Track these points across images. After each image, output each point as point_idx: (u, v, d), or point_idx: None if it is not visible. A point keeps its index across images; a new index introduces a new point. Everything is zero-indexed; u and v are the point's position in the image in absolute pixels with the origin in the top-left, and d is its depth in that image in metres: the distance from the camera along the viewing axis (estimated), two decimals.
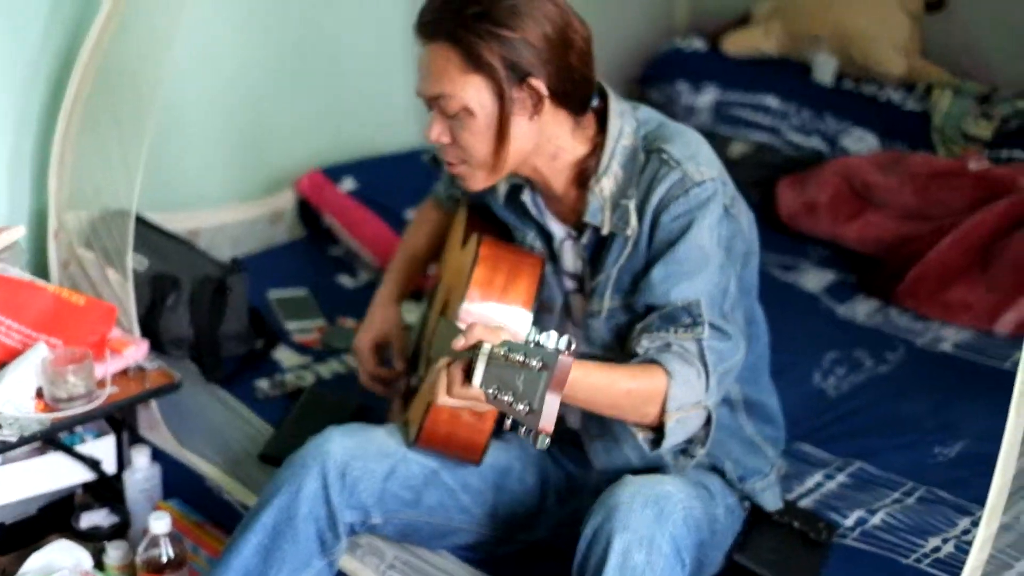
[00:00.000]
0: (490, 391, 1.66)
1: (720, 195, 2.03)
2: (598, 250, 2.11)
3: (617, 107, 2.09)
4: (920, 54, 3.83)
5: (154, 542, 2.32)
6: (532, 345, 1.65)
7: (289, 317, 3.06)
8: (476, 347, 1.74)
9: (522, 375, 1.62)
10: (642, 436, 1.98)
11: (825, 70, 3.88)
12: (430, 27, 2.00)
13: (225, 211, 3.39)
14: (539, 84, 1.98)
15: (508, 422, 1.70)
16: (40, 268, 2.77)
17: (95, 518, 2.47)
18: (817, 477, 2.48)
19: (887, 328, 3.08)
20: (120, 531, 2.45)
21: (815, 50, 3.90)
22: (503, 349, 1.66)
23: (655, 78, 4.11)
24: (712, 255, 2.01)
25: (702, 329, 1.97)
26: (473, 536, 2.23)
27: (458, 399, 1.80)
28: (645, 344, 1.98)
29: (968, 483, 2.43)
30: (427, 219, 2.55)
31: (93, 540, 2.41)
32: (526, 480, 2.22)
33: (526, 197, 2.17)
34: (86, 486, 2.56)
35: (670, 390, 1.92)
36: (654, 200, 2.02)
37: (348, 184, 3.45)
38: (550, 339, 1.65)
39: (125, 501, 2.52)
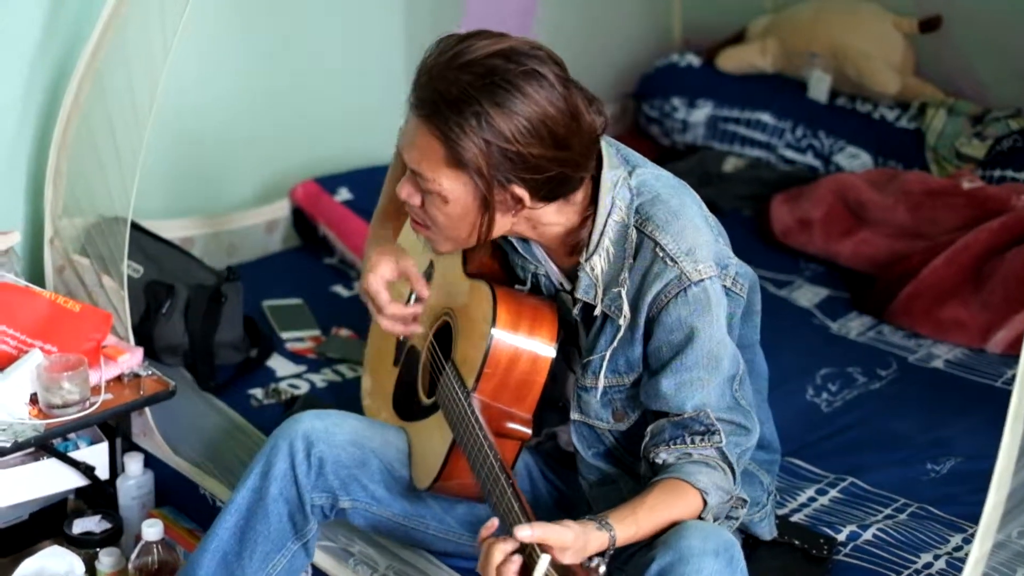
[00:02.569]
0: None
1: (720, 290, 1.96)
2: (588, 323, 2.04)
3: (611, 177, 1.96)
4: (914, 73, 3.85)
5: (146, 549, 2.32)
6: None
7: (284, 326, 3.06)
8: (533, 551, 1.70)
9: None
10: None
11: (820, 87, 3.90)
12: (423, 106, 1.87)
13: (220, 219, 3.40)
14: (522, 192, 1.88)
15: None
16: (36, 274, 2.77)
17: (88, 524, 2.46)
18: (809, 492, 2.49)
19: (880, 345, 3.08)
20: (113, 538, 2.44)
21: (810, 67, 3.91)
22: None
23: (650, 93, 4.12)
24: (722, 353, 1.95)
25: (719, 437, 1.93)
26: (453, 546, 2.21)
27: None
28: (664, 456, 1.94)
29: (960, 500, 2.43)
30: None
31: (85, 547, 2.40)
32: None
33: (520, 246, 2.08)
34: (79, 492, 2.56)
35: (708, 503, 1.90)
36: (649, 296, 1.93)
37: (343, 194, 3.45)
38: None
39: (118, 508, 2.52)
